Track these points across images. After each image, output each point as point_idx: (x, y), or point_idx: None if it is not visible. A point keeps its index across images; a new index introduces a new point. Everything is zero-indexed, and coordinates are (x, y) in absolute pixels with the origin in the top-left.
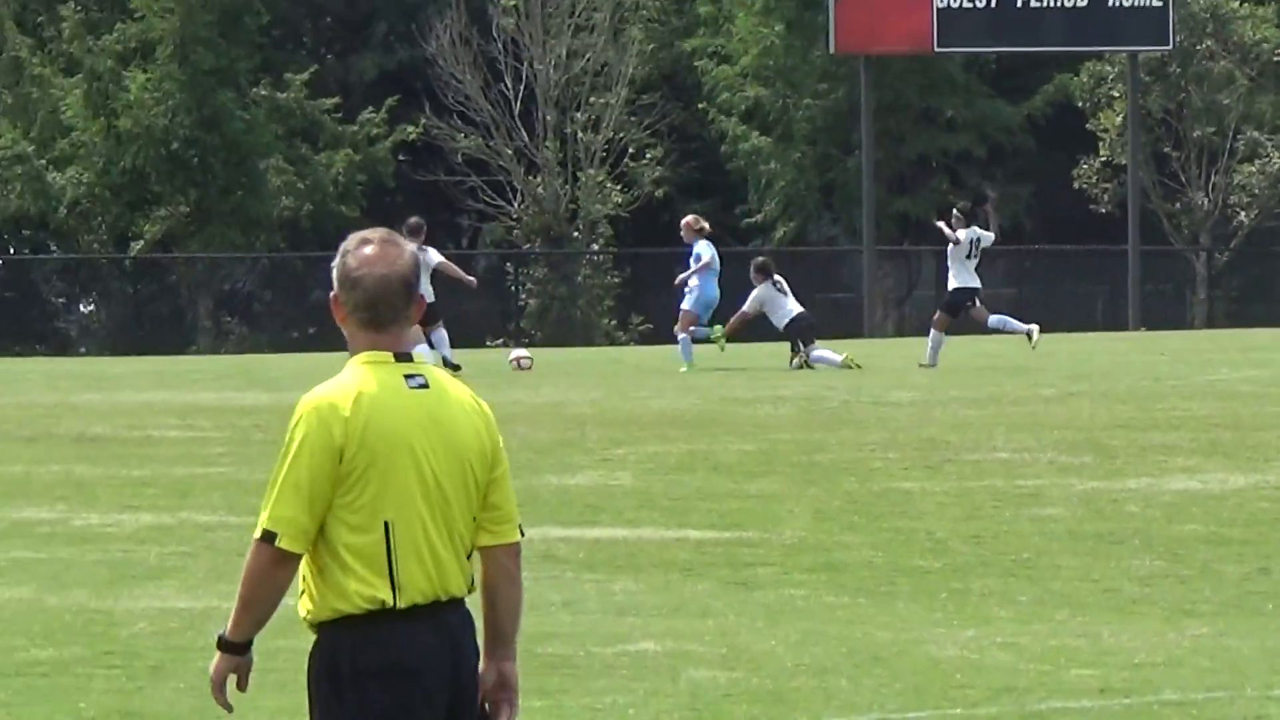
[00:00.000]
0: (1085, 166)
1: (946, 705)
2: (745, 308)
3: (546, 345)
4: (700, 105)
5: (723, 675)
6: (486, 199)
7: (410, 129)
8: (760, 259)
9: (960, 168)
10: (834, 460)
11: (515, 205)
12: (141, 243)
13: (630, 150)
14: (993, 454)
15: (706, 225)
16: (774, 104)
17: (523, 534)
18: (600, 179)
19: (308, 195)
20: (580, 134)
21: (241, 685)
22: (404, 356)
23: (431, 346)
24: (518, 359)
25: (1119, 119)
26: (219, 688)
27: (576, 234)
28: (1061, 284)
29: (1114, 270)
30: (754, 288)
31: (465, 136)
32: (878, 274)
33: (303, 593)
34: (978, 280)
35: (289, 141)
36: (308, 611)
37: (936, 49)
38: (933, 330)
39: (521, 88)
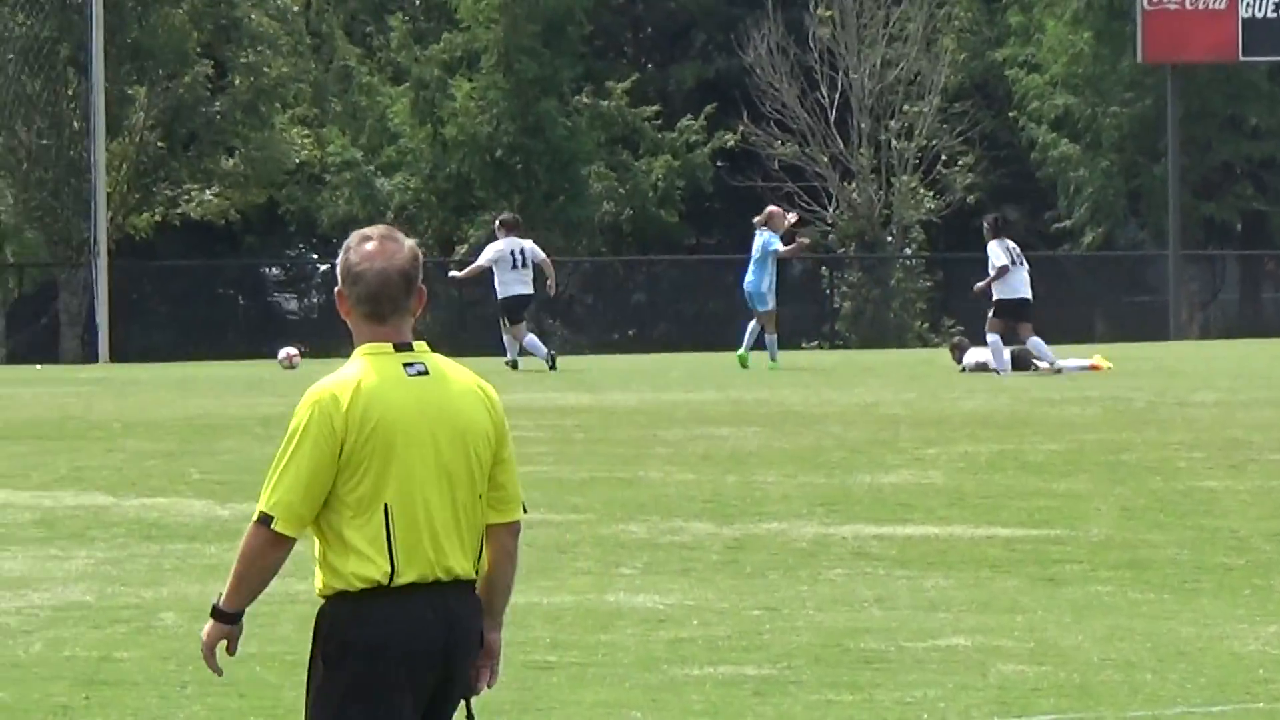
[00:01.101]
0: None
1: (1249, 700)
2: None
3: (860, 347)
4: (1011, 113)
5: (1030, 669)
6: (802, 204)
7: (728, 136)
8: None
9: (1264, 174)
10: (1140, 460)
11: (830, 211)
12: (466, 247)
13: (943, 157)
14: None
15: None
16: (1083, 112)
17: (525, 511)
18: (913, 185)
19: (628, 200)
20: (894, 141)
21: (231, 650)
22: (404, 346)
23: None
24: (289, 356)
25: None
26: (210, 651)
27: (890, 239)
28: None
29: None
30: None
31: (782, 143)
32: (1183, 278)
33: (317, 570)
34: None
35: (610, 148)
36: (317, 589)
37: (1241, 57)
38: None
39: (837, 96)
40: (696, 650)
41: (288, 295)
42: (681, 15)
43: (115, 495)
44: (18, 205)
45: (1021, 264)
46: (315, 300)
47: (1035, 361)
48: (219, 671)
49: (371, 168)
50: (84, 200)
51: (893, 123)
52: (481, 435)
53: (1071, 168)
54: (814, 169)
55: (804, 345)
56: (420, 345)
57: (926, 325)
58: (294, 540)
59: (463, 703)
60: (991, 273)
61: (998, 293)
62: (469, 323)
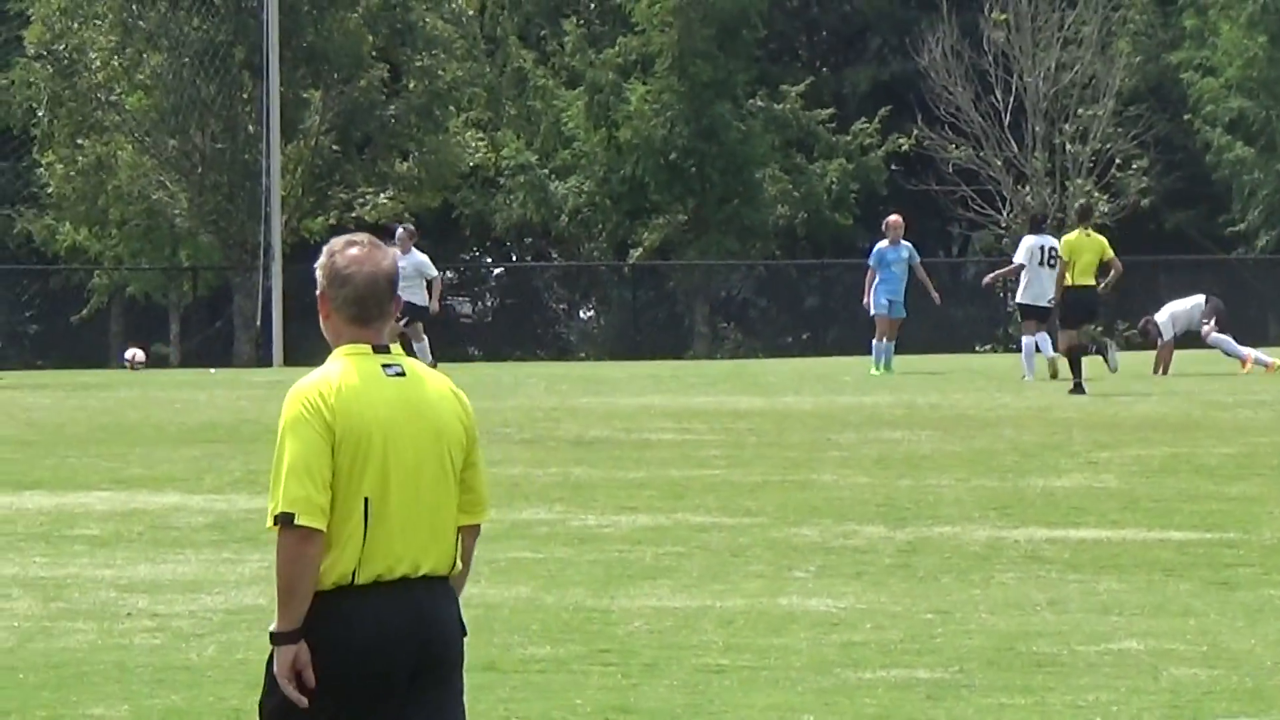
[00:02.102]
0: None
1: None
2: None
3: None
4: (1185, 116)
5: (1203, 673)
6: (976, 208)
7: (902, 139)
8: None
9: None
10: None
11: (1004, 214)
12: (640, 250)
13: (1117, 160)
14: None
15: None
16: (1257, 115)
17: (488, 517)
18: (1087, 189)
19: (802, 204)
20: (1068, 145)
21: (308, 680)
22: (382, 349)
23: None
24: (132, 357)
25: None
26: (288, 680)
27: None
28: None
29: None
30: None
31: (956, 147)
32: None
33: None
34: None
35: (784, 151)
36: None
37: None
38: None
39: (1011, 99)
40: (869, 654)
41: (461, 299)
42: (856, 18)
43: None
44: (192, 209)
45: (1048, 265)
46: (489, 304)
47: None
48: (303, 701)
49: (546, 171)
50: (258, 204)
51: (1067, 126)
52: (455, 439)
53: (1246, 171)
54: (988, 172)
55: (977, 349)
56: (396, 349)
57: (1099, 328)
58: (323, 534)
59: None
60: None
61: (1018, 295)
62: (643, 326)
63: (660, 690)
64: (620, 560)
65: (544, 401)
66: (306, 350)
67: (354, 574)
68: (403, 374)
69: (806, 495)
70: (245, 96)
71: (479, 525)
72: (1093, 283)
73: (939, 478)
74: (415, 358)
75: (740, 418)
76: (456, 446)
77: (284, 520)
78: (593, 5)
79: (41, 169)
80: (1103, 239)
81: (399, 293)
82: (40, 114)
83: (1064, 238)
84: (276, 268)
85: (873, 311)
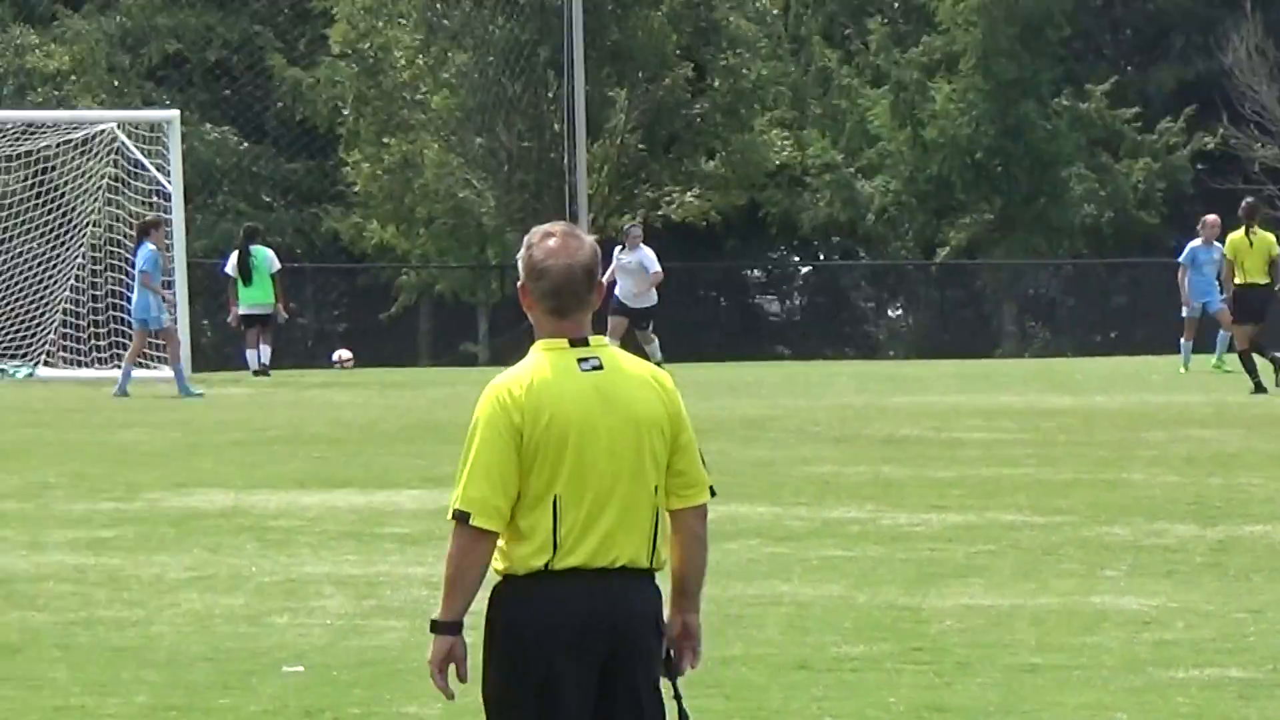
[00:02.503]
0: None
1: None
2: None
3: None
4: None
5: None
6: None
7: (1208, 138)
8: None
9: None
10: None
11: None
12: (947, 249)
13: None
14: None
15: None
16: None
17: (713, 494)
18: None
19: (1109, 203)
20: None
21: (462, 674)
22: (580, 341)
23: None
24: (339, 358)
25: None
26: (439, 672)
27: None
28: None
29: None
30: None
31: (1262, 146)
32: None
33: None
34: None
35: (1090, 150)
36: (495, 568)
37: None
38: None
39: None
40: (1181, 653)
41: (769, 297)
42: (1161, 17)
43: None
44: (499, 207)
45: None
46: (796, 302)
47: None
48: (450, 695)
49: (852, 170)
50: (565, 202)
51: None
52: (655, 426)
53: None
54: None
55: None
56: (597, 339)
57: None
58: (496, 535)
59: (668, 683)
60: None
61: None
62: (950, 324)
63: (972, 689)
64: (931, 559)
65: (853, 400)
66: None
67: (548, 564)
68: (599, 366)
69: (1117, 494)
70: (550, 95)
71: (703, 506)
72: (1264, 281)
73: (1250, 476)
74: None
75: (1049, 416)
76: (658, 435)
77: (459, 518)
78: (896, 4)
79: (348, 167)
80: (1271, 237)
81: (629, 291)
82: (346, 113)
83: (1228, 237)
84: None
85: (1185, 313)
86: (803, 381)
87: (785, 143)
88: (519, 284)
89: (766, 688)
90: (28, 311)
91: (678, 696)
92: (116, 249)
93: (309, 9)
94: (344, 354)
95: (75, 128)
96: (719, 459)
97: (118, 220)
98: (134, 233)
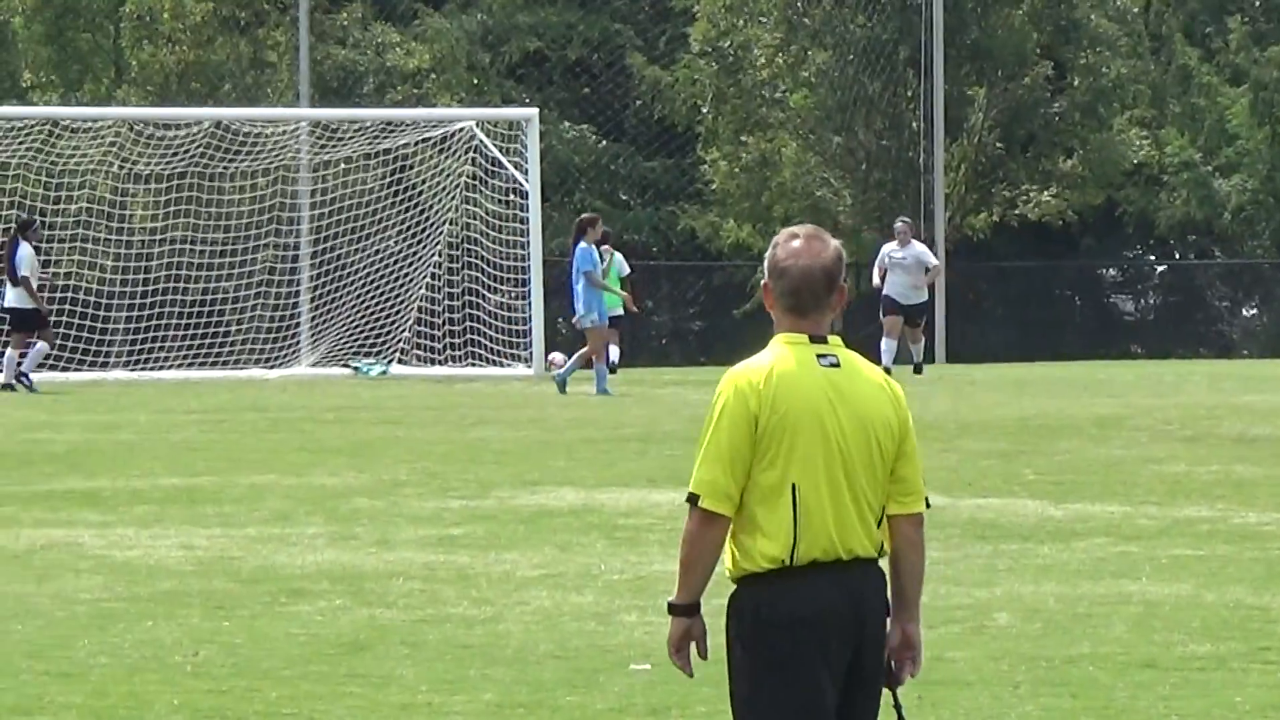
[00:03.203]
0: None
1: None
2: None
3: None
4: None
5: None
6: None
7: None
8: None
9: None
10: None
11: None
12: None
13: None
14: None
15: None
16: None
17: (929, 505)
18: None
19: None
20: None
21: (702, 652)
22: (819, 339)
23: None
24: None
25: None
26: (677, 651)
27: None
28: None
29: None
30: None
31: None
32: None
33: (728, 550)
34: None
35: None
36: (727, 569)
37: None
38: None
39: None
40: None
41: (1124, 296)
42: None
43: (950, 495)
44: (856, 206)
45: None
46: (1152, 301)
47: None
48: (690, 672)
49: (1209, 169)
50: (922, 201)
51: None
52: (885, 426)
53: None
54: None
55: None
56: (834, 340)
57: None
58: (728, 520)
59: (889, 692)
60: None
61: None
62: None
63: None
64: None
65: (1206, 399)
66: (969, 347)
67: (791, 556)
68: (837, 364)
69: None
70: (909, 94)
71: (919, 515)
72: None
73: None
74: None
75: None
76: (887, 436)
77: (692, 500)
78: (1258, 3)
79: (705, 166)
80: None
81: (904, 286)
82: (704, 111)
83: None
84: (939, 264)
85: None
86: (1156, 381)
87: (1143, 141)
88: (762, 282)
89: (1113, 686)
90: (383, 309)
91: (897, 706)
92: (473, 247)
93: (669, 7)
94: (557, 357)
95: (434, 126)
96: (1071, 457)
97: (474, 219)
98: (572, 230)
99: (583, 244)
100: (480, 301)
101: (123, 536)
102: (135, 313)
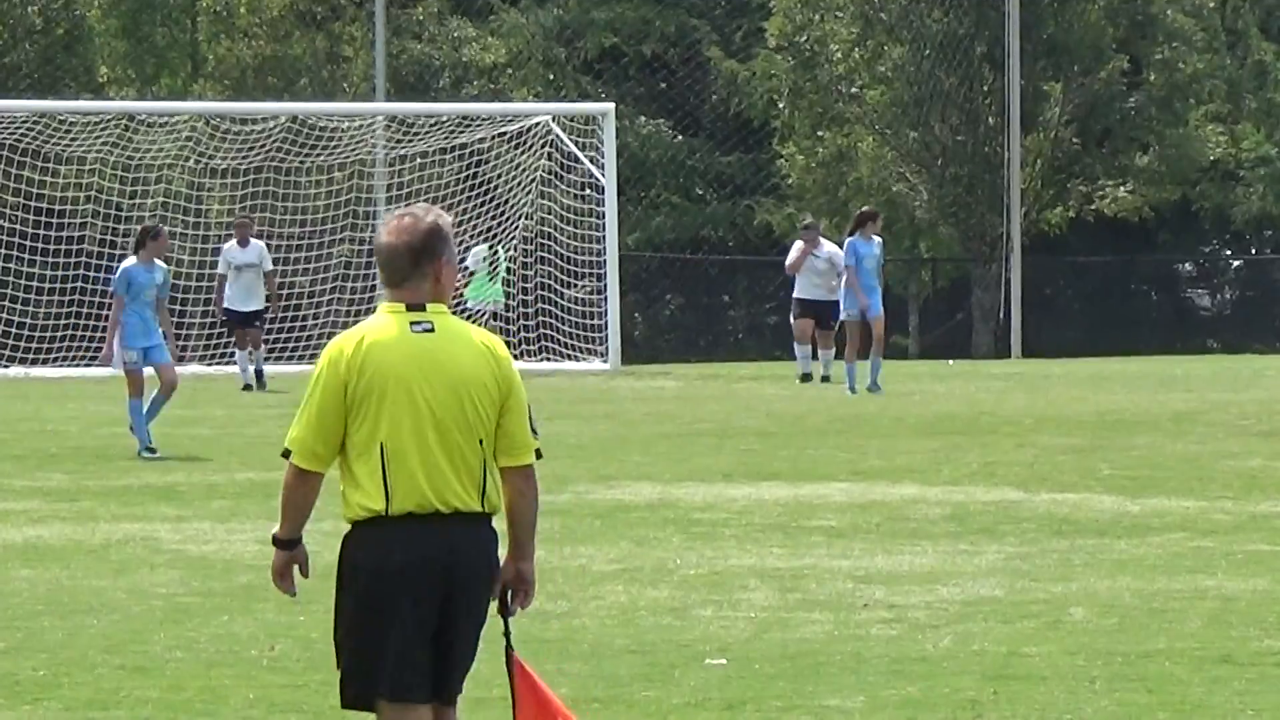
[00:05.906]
0: None
1: None
2: None
3: None
4: None
5: None
6: None
7: None
8: None
9: None
10: None
11: None
12: None
13: None
14: None
15: None
16: None
17: (539, 456)
18: None
19: None
20: None
21: (304, 572)
22: (415, 306)
23: None
24: None
25: None
26: (278, 576)
27: None
28: None
29: None
30: None
31: None
32: None
33: (342, 501)
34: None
35: None
36: (343, 515)
37: None
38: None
39: None
40: None
41: (1200, 291)
42: None
43: (1026, 490)
44: (932, 201)
45: None
46: (1228, 296)
47: None
48: (294, 593)
49: None
50: (998, 196)
51: None
52: (480, 386)
53: None
54: None
55: None
56: (436, 307)
57: None
58: (318, 475)
59: (502, 622)
60: None
61: None
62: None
63: None
64: None
65: None
66: (1045, 342)
67: (385, 508)
68: (431, 329)
69: None
70: (985, 89)
71: (528, 466)
72: None
73: None
74: None
75: None
76: (484, 396)
77: (286, 455)
78: None
79: (782, 160)
80: None
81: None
82: (781, 106)
83: None
84: (1016, 259)
85: None
86: (1232, 376)
87: (1219, 137)
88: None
89: (1189, 681)
90: (457, 304)
91: (506, 634)
92: (548, 242)
93: (746, 2)
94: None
95: (510, 121)
96: (1147, 452)
97: (550, 213)
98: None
99: (859, 238)
100: (555, 296)
101: (199, 531)
102: (211, 308)
